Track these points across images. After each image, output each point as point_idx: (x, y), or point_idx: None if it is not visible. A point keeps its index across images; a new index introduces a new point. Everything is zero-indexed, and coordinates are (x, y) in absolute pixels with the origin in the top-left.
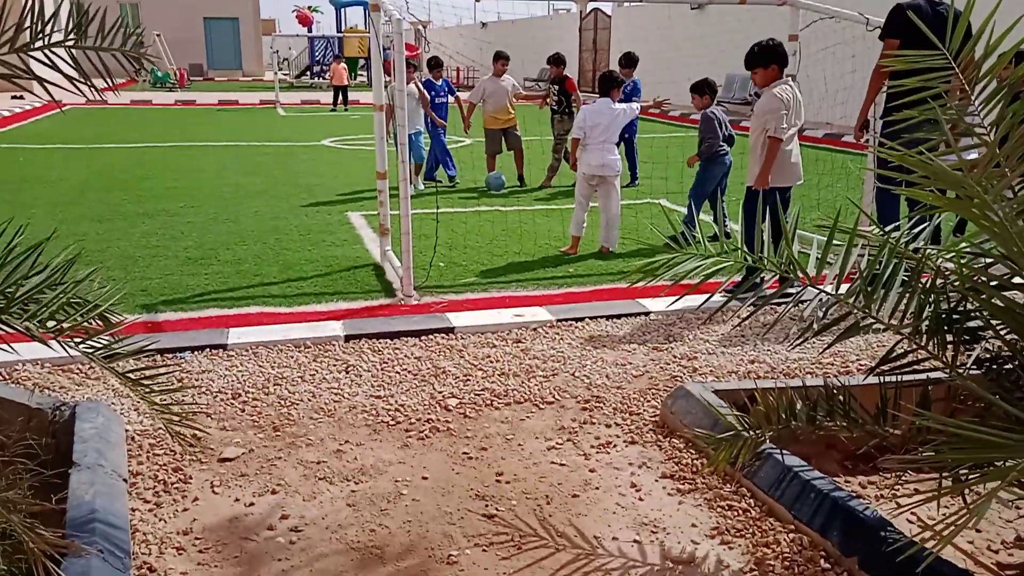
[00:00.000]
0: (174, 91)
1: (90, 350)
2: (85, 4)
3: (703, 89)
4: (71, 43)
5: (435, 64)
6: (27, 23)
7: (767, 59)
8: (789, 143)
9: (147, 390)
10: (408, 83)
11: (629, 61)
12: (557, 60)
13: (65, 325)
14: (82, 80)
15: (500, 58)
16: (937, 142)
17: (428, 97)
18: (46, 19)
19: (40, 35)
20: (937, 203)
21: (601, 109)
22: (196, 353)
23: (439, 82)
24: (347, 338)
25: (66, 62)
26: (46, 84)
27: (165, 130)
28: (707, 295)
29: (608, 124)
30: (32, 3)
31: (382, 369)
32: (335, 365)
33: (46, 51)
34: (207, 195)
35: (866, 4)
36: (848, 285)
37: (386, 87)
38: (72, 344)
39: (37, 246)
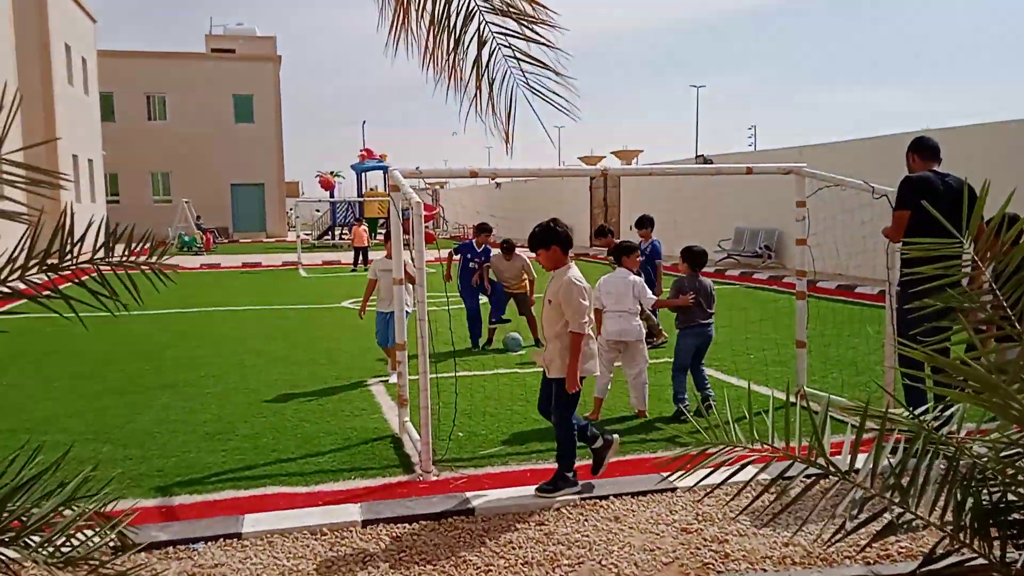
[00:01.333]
0: (200, 255)
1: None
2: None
3: (685, 257)
4: (99, 263)
5: (481, 230)
6: (56, 246)
7: (547, 240)
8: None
9: None
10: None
11: (644, 223)
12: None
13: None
14: (107, 295)
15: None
16: (958, 331)
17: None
18: (75, 240)
19: (68, 255)
20: (966, 400)
21: (614, 279)
22: (209, 543)
23: (480, 248)
24: (364, 523)
25: (93, 279)
26: (71, 301)
27: (189, 295)
28: (736, 466)
29: (623, 293)
30: (63, 227)
31: (400, 559)
32: (351, 555)
33: (74, 269)
34: (228, 363)
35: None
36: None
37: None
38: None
39: (50, 467)
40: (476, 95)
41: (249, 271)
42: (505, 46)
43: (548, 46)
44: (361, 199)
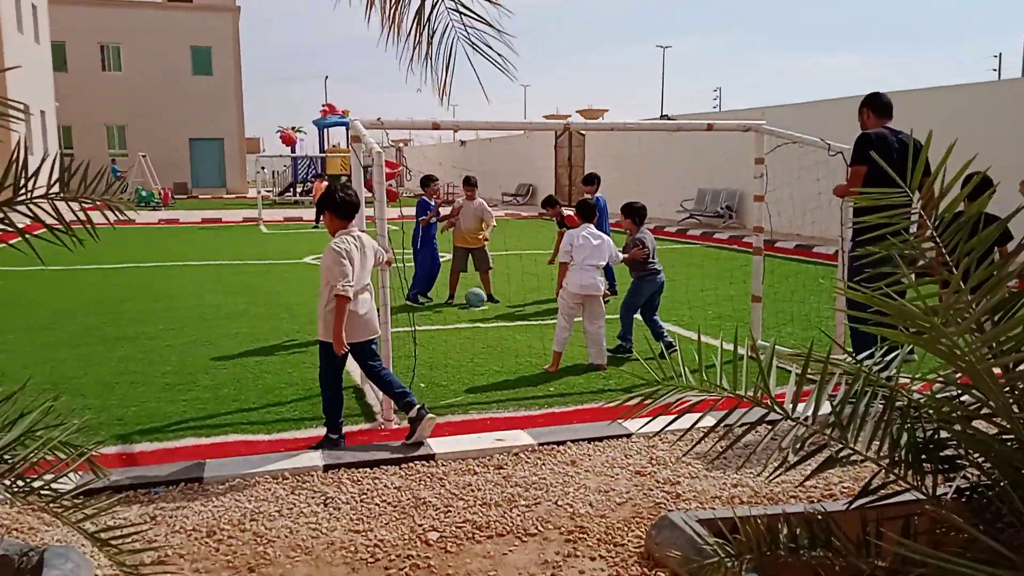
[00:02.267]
0: (158, 210)
1: (60, 509)
2: (72, 143)
3: (628, 214)
4: (53, 196)
5: (427, 182)
6: (10, 180)
7: (320, 206)
8: (356, 300)
9: (112, 546)
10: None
11: (591, 179)
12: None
13: (35, 483)
14: (62, 229)
15: (469, 184)
16: (900, 276)
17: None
18: (28, 175)
19: (23, 190)
20: (904, 340)
21: (586, 235)
22: (171, 488)
23: (431, 201)
24: (326, 468)
25: (49, 213)
26: (27, 236)
27: (147, 250)
28: (697, 415)
29: (596, 248)
30: (16, 160)
31: (361, 501)
32: (313, 498)
33: (28, 204)
34: (187, 317)
35: (831, 127)
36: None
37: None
38: (44, 502)
39: (9, 397)
40: (416, 47)
41: (209, 227)
42: None
43: (490, 1)
44: (323, 155)
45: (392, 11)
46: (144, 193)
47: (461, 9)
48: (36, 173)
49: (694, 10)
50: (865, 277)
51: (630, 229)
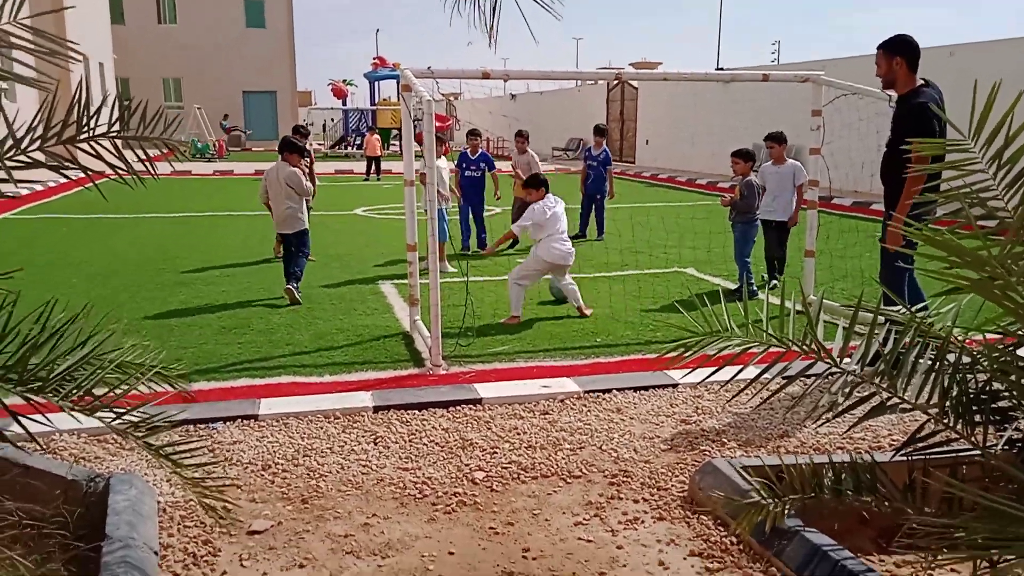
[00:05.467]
0: (213, 161)
1: (125, 425)
2: (131, 95)
3: (746, 156)
4: (114, 135)
5: (472, 134)
6: (73, 117)
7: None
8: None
9: (179, 465)
10: (438, 158)
11: (600, 131)
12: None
13: (98, 394)
14: (124, 168)
15: (520, 136)
16: (961, 223)
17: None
18: (91, 113)
19: (86, 128)
20: (959, 284)
21: (552, 204)
22: (228, 424)
23: (475, 155)
24: (376, 409)
25: (108, 150)
26: (90, 172)
27: (204, 200)
28: (736, 368)
29: (560, 216)
30: (79, 98)
31: (410, 441)
32: (364, 436)
33: (91, 143)
34: (242, 264)
35: None
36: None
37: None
38: (106, 420)
39: (73, 319)
40: None
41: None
42: None
43: None
44: (374, 108)
45: None
46: (200, 145)
47: None
48: (98, 111)
49: None
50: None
51: (743, 173)
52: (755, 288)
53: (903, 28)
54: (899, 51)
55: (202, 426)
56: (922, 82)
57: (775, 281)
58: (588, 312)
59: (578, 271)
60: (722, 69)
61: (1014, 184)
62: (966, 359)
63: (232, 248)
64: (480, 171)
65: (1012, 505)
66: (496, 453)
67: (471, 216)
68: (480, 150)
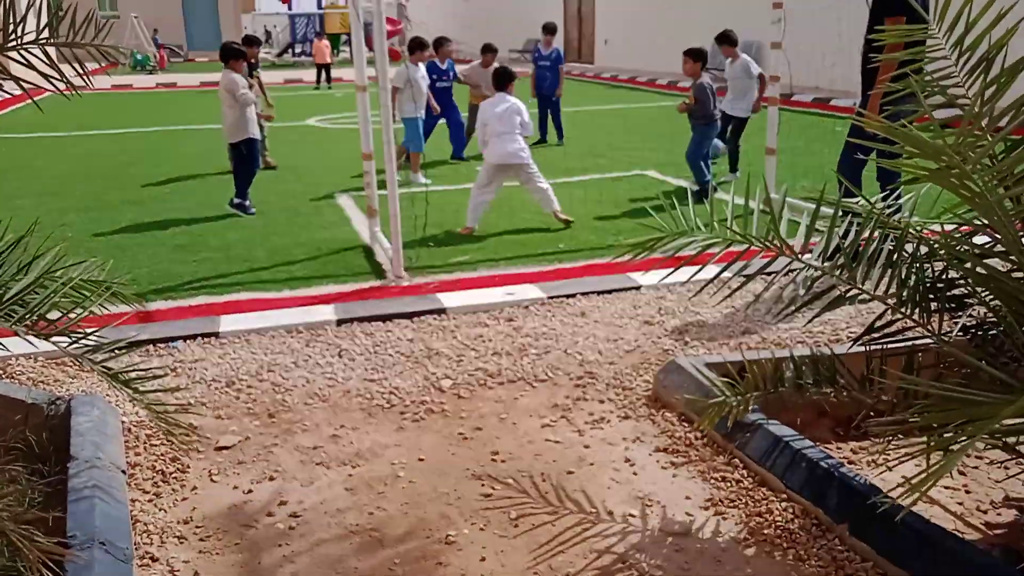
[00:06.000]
0: (154, 74)
1: (81, 349)
2: (60, 2)
3: (695, 56)
4: (44, 42)
5: (439, 44)
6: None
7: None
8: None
9: (138, 389)
10: (414, 64)
11: (549, 29)
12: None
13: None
14: (57, 77)
15: (489, 51)
16: (918, 115)
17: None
18: (18, 20)
19: (14, 35)
20: (916, 174)
21: (496, 103)
22: (189, 342)
23: (444, 64)
24: (339, 322)
25: (40, 59)
26: (22, 82)
27: (147, 115)
28: (697, 267)
29: (501, 115)
30: (5, 5)
31: (375, 352)
32: (328, 350)
33: (20, 50)
34: (192, 180)
35: None
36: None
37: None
38: (62, 345)
39: (19, 240)
40: None
41: (208, 90)
42: None
43: None
44: (321, 12)
45: None
46: (139, 57)
47: None
48: (24, 17)
49: None
50: (883, 115)
51: (694, 74)
52: (715, 185)
53: None
54: None
55: (162, 346)
56: None
57: (735, 175)
58: (565, 218)
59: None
60: None
61: (974, 71)
62: (924, 249)
63: (181, 163)
64: (450, 81)
65: (962, 391)
66: (462, 361)
67: (449, 126)
68: (448, 59)
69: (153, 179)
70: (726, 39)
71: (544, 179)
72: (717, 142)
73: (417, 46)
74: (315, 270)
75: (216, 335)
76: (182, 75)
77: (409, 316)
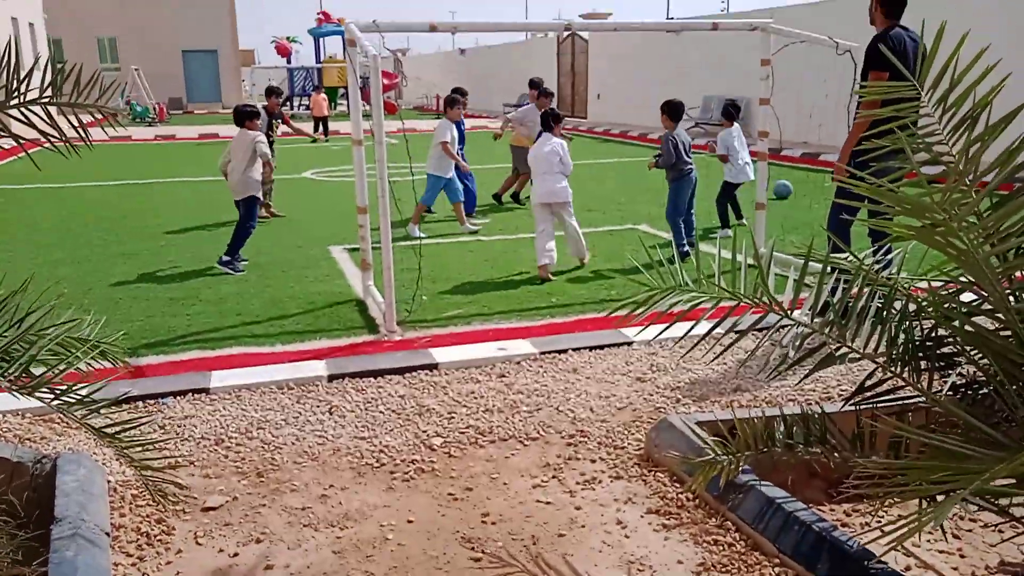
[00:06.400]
0: (153, 126)
1: (68, 406)
2: (64, 58)
3: (667, 109)
4: (46, 101)
5: (452, 102)
6: (2, 81)
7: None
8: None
9: (124, 445)
10: (445, 126)
11: (533, 85)
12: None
13: (38, 373)
14: (56, 136)
15: (545, 95)
16: (904, 172)
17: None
18: (22, 78)
19: (16, 94)
20: (902, 233)
21: (542, 144)
22: (178, 398)
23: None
24: (330, 378)
25: (42, 118)
26: (20, 139)
27: (145, 166)
28: (690, 323)
29: (548, 155)
30: (8, 63)
31: (366, 409)
32: (319, 406)
33: (21, 108)
34: (188, 232)
35: (844, 27)
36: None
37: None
38: (47, 400)
39: (12, 295)
40: None
41: (206, 142)
42: None
43: None
44: (319, 66)
45: None
46: (139, 108)
47: None
48: (28, 76)
49: None
50: (869, 172)
51: (666, 127)
52: (687, 250)
53: None
54: None
55: (151, 402)
56: (897, 26)
57: (730, 230)
58: (584, 260)
59: (533, 230)
60: (672, 19)
61: (959, 128)
62: (913, 306)
63: (177, 215)
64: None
65: (953, 442)
66: (453, 418)
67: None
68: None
69: (149, 230)
70: (724, 111)
71: (578, 222)
72: (784, 183)
73: (452, 102)
74: (308, 324)
75: (206, 391)
76: (181, 127)
77: (401, 372)
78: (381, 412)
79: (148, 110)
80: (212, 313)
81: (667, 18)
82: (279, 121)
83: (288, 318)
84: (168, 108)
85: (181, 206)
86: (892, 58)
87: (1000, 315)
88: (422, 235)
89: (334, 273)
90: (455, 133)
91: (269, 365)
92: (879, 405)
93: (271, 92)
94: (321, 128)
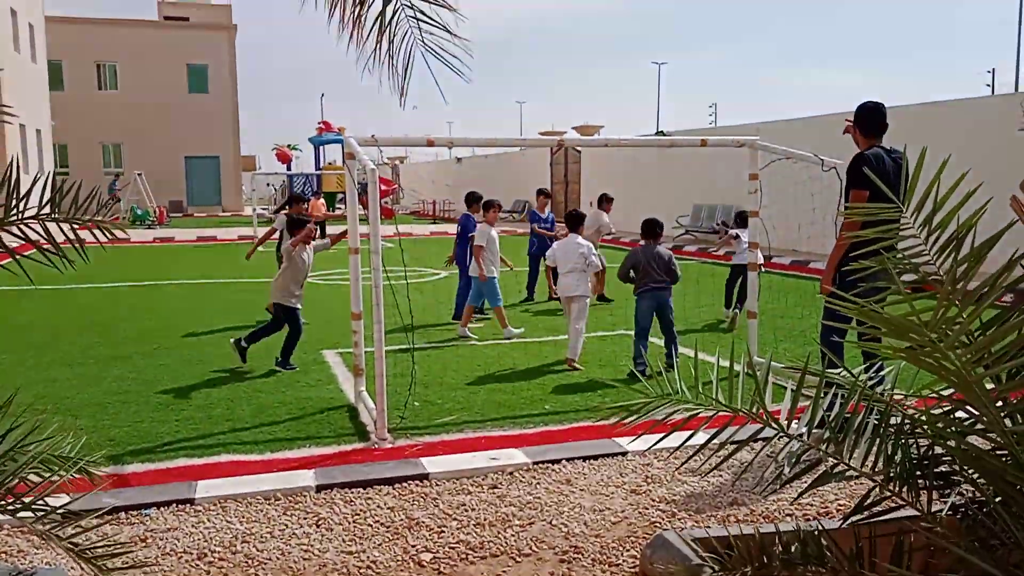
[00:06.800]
0: (153, 228)
1: (47, 524)
2: (68, 162)
3: (643, 227)
4: (44, 217)
5: (472, 199)
6: (2, 199)
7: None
8: None
9: (104, 565)
10: (490, 225)
11: (545, 194)
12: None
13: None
14: (54, 251)
15: (607, 200)
16: (893, 291)
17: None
18: (20, 195)
19: (15, 211)
20: (895, 355)
21: (567, 242)
22: (162, 509)
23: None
24: (319, 488)
25: (38, 234)
26: (18, 257)
27: (142, 269)
28: (688, 433)
29: (565, 254)
30: (9, 179)
31: (354, 521)
32: (306, 519)
33: (20, 225)
34: (182, 336)
35: (831, 142)
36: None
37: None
38: (28, 520)
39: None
40: (376, 49)
41: (204, 245)
42: (408, 6)
43: (448, 8)
44: (319, 172)
45: (354, 17)
46: (139, 212)
47: (419, 16)
48: (28, 193)
49: (689, 27)
50: (856, 292)
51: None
52: (643, 368)
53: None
54: (856, 117)
55: (135, 513)
56: (880, 148)
57: (734, 311)
58: (576, 366)
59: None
60: (662, 132)
61: (945, 248)
62: (908, 424)
63: (171, 319)
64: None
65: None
66: (443, 532)
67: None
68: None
69: (142, 335)
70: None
71: (583, 324)
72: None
73: (490, 204)
74: (298, 431)
75: (191, 501)
76: (180, 230)
77: (391, 482)
78: (370, 525)
79: (148, 213)
80: (201, 419)
81: (657, 130)
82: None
83: (278, 424)
84: (168, 211)
85: (175, 309)
86: (876, 180)
87: (994, 435)
88: (520, 330)
89: (326, 378)
90: (493, 234)
91: (257, 474)
92: (879, 522)
93: (297, 199)
94: (319, 232)
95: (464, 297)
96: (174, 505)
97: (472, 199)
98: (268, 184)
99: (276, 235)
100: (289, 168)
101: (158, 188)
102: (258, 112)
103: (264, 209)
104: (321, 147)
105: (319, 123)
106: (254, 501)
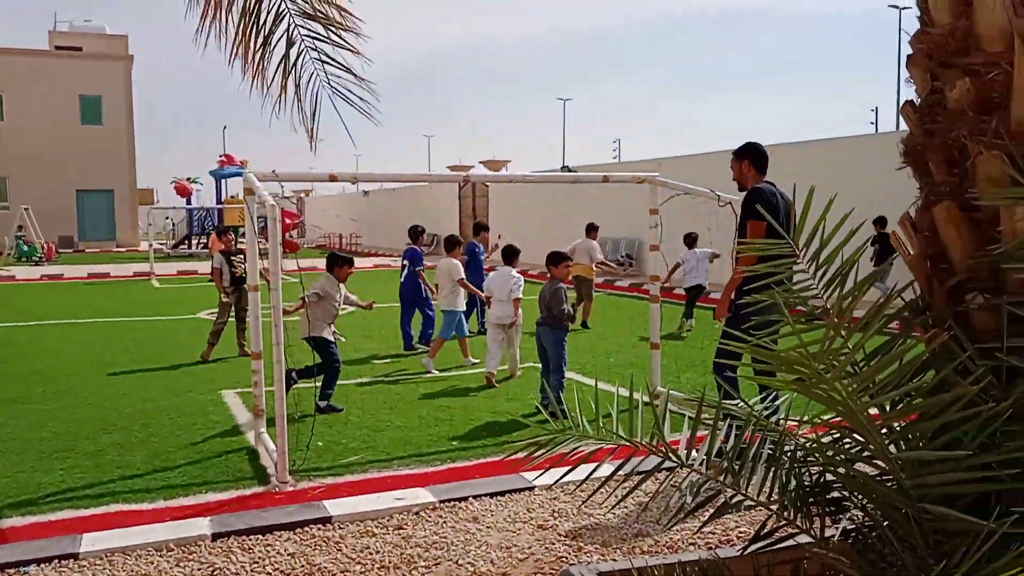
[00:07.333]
0: (40, 265)
1: None
2: None
3: (554, 259)
4: None
5: (416, 234)
6: None
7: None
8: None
9: None
10: (457, 265)
11: (485, 228)
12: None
13: None
14: None
15: (594, 229)
16: (784, 324)
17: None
18: None
19: None
20: (784, 386)
21: (501, 273)
22: (42, 566)
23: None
24: (215, 536)
25: None
26: None
27: (29, 308)
28: (593, 465)
29: (500, 285)
30: None
31: (252, 571)
32: (200, 569)
33: None
34: (71, 377)
35: (725, 177)
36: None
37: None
38: None
39: None
40: (281, 93)
41: (96, 282)
42: (312, 49)
43: (353, 51)
44: (220, 207)
45: (257, 55)
46: (25, 248)
47: (324, 59)
48: None
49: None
50: (750, 325)
51: (558, 276)
52: (547, 404)
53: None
54: (745, 155)
55: (12, 571)
56: (768, 183)
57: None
58: (493, 381)
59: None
60: (567, 167)
61: (831, 283)
62: (801, 452)
63: (62, 360)
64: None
65: None
66: None
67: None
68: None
69: (28, 377)
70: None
71: (518, 344)
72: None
73: (453, 244)
74: (195, 476)
75: (75, 556)
76: (70, 267)
77: (291, 527)
78: (269, 574)
79: (35, 249)
80: (89, 467)
81: (562, 165)
82: (239, 258)
83: (172, 470)
84: (58, 247)
85: (65, 350)
86: (768, 217)
87: (880, 462)
88: (434, 370)
89: (225, 420)
90: (458, 266)
91: (148, 524)
92: (776, 549)
93: (222, 232)
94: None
95: (408, 327)
96: (56, 561)
97: (415, 233)
98: (167, 218)
99: (219, 271)
100: (189, 202)
101: (47, 223)
102: (158, 144)
103: (162, 244)
104: (222, 180)
105: (221, 156)
106: (144, 553)
